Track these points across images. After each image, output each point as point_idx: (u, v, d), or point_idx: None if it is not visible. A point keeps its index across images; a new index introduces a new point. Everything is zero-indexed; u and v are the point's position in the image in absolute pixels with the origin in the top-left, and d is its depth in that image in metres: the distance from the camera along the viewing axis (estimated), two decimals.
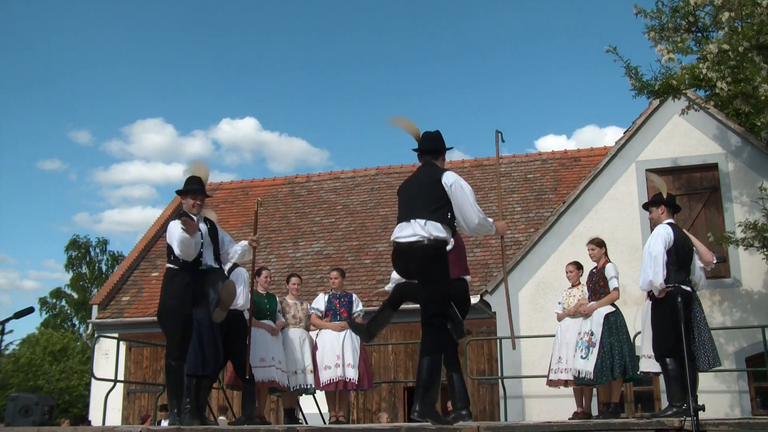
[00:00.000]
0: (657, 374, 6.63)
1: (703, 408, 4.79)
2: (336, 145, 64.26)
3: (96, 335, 11.63)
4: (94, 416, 14.48)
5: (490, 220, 5.16)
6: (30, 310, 6.70)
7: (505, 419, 10.07)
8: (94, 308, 16.53)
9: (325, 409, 8.45)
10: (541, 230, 12.17)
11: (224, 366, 7.45)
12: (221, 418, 11.04)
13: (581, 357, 7.36)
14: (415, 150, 5.29)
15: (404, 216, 5.01)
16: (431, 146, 5.24)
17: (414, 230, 4.87)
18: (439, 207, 4.90)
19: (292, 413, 7.98)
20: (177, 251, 5.86)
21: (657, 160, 11.88)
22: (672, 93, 9.70)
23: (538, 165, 17.68)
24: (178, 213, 6.14)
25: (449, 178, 4.97)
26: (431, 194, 4.92)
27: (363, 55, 63.70)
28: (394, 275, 5.80)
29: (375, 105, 63.39)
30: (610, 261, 7.60)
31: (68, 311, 36.98)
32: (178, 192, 6.34)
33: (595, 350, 7.25)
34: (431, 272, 4.90)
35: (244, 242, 6.55)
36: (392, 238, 5.05)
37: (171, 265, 6.01)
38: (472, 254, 15.17)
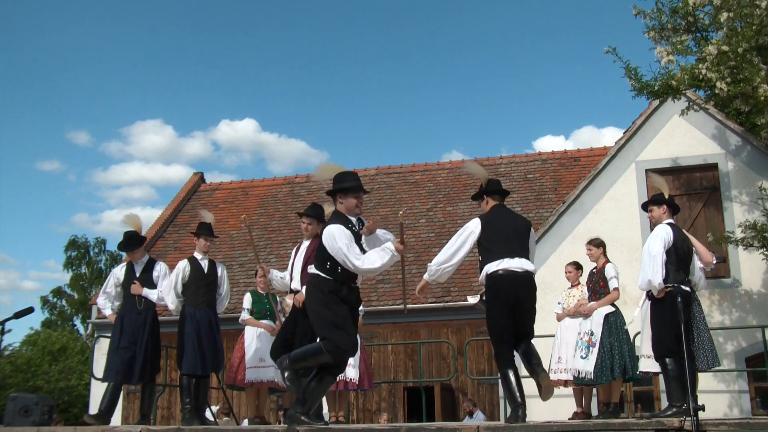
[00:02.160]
0: (657, 374, 6.63)
1: (702, 408, 4.79)
2: (335, 146, 64.30)
3: (96, 335, 11.63)
4: None
5: None
6: (30, 310, 6.71)
7: (505, 419, 10.07)
8: (94, 308, 16.52)
9: (325, 409, 8.44)
10: (541, 230, 12.17)
11: (223, 366, 7.48)
12: (225, 419, 11.04)
13: (581, 357, 7.36)
14: (487, 193, 5.91)
15: (511, 252, 5.58)
16: (502, 189, 5.99)
17: (525, 265, 5.55)
18: (529, 251, 5.72)
19: None
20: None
21: (657, 160, 11.88)
22: (672, 93, 9.71)
23: (538, 165, 17.68)
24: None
25: (532, 229, 5.86)
26: (525, 238, 5.71)
27: (362, 56, 63.73)
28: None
29: (375, 106, 63.43)
30: (609, 261, 7.60)
31: (68, 311, 36.97)
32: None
33: (595, 350, 7.25)
34: (535, 302, 5.65)
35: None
36: (504, 267, 5.51)
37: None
38: (472, 254, 15.15)
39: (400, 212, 5.83)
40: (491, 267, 5.54)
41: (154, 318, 7.29)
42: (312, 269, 5.42)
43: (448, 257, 5.65)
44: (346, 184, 5.55)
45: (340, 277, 5.28)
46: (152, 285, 7.27)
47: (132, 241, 7.30)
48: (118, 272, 7.47)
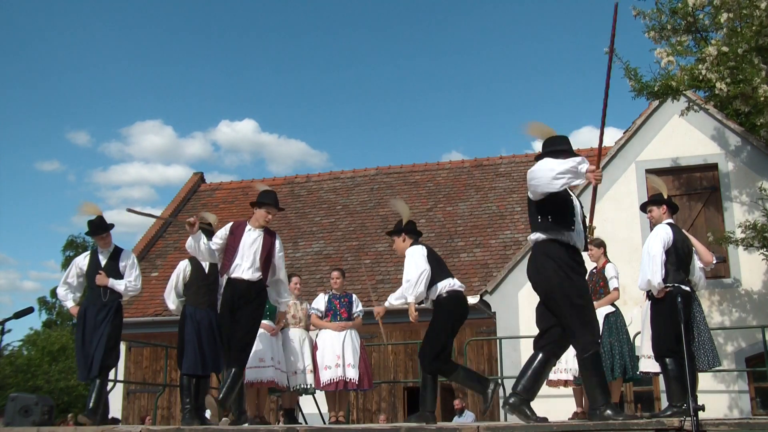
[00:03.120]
0: (657, 374, 6.63)
1: (702, 408, 4.79)
2: (335, 146, 64.30)
3: None
4: None
5: None
6: (30, 310, 6.71)
7: (505, 419, 10.07)
8: None
9: (325, 409, 8.45)
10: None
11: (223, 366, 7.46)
12: (224, 419, 11.03)
13: None
14: (407, 231, 6.53)
15: (450, 274, 6.37)
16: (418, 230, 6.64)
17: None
18: None
19: (291, 413, 7.99)
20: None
21: (657, 160, 11.89)
22: (671, 94, 9.71)
23: None
24: None
25: None
26: None
27: (362, 57, 63.73)
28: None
29: (375, 106, 63.42)
30: (609, 261, 7.61)
31: (68, 311, 36.96)
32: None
33: None
34: None
35: None
36: (458, 286, 6.27)
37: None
38: (472, 254, 15.18)
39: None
40: (446, 284, 6.14)
41: (117, 310, 6.92)
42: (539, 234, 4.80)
43: (418, 277, 6.15)
44: (559, 147, 5.00)
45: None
46: (119, 275, 6.93)
47: (100, 226, 6.95)
48: (81, 261, 7.08)
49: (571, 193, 5.02)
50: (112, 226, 7.09)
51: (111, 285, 6.86)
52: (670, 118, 11.83)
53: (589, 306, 4.88)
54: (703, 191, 11.83)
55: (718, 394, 10.55)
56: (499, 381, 10.19)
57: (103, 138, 61.73)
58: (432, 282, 6.14)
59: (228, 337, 6.33)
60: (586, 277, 7.74)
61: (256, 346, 7.62)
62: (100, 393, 6.71)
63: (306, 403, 8.69)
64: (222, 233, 6.56)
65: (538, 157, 4.97)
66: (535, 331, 5.27)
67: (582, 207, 5.12)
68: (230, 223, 6.68)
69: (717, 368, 6.46)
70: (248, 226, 6.54)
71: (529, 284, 12.88)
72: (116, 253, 7.05)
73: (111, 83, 58.02)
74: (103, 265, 6.94)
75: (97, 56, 57.75)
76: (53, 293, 36.88)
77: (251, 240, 6.44)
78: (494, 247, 15.20)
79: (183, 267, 7.23)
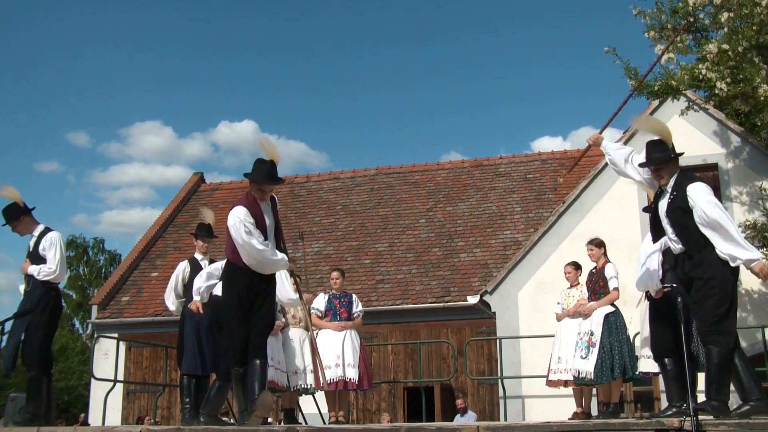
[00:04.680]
0: (656, 374, 6.63)
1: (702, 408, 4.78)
2: (335, 147, 64.25)
3: (96, 335, 11.65)
4: (94, 416, 14.48)
5: None
6: (30, 310, 6.70)
7: (505, 419, 10.08)
8: (94, 308, 16.53)
9: (324, 409, 8.44)
10: (541, 230, 12.17)
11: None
12: (224, 419, 11.03)
13: (581, 357, 7.36)
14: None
15: None
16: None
17: None
18: None
19: (291, 413, 7.98)
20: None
21: None
22: (671, 93, 9.71)
23: (538, 165, 17.69)
24: None
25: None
26: None
27: (362, 57, 63.70)
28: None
29: (374, 107, 63.41)
30: (609, 261, 7.60)
31: (67, 311, 36.94)
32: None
33: (595, 350, 7.25)
34: None
35: None
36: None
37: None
38: (472, 254, 15.18)
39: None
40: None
41: (42, 298, 6.28)
42: None
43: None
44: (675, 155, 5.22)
45: None
46: (42, 260, 6.34)
47: (9, 212, 6.42)
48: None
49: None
50: (25, 211, 6.47)
51: (30, 272, 6.40)
52: (670, 117, 11.81)
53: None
54: None
55: None
56: (499, 381, 10.22)
57: (103, 138, 61.74)
58: None
59: (239, 329, 5.45)
60: (586, 277, 7.78)
61: None
62: (34, 389, 6.22)
63: (306, 403, 8.69)
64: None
65: (658, 157, 5.14)
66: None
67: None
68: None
69: None
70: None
71: (529, 284, 12.84)
72: (40, 237, 6.44)
73: (110, 84, 58.05)
74: (29, 251, 6.48)
75: (97, 56, 57.78)
76: None
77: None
78: (494, 247, 15.20)
79: (183, 268, 7.24)
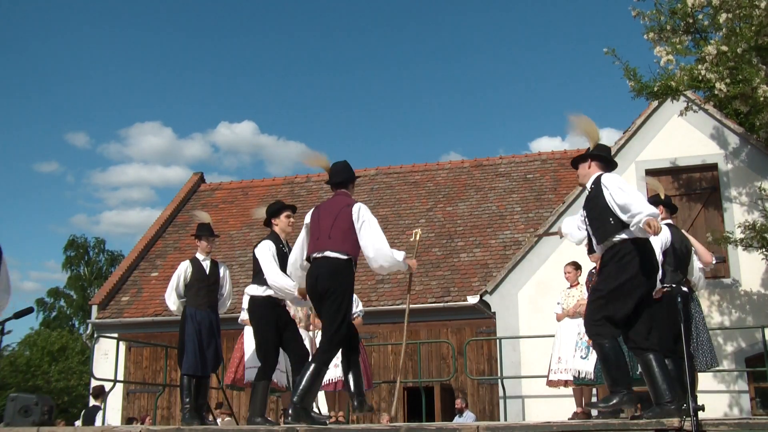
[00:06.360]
0: None
1: (702, 408, 4.79)
2: (335, 147, 64.24)
3: (95, 335, 11.65)
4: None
5: None
6: (29, 310, 6.68)
7: (505, 419, 10.08)
8: (94, 308, 16.52)
9: (324, 409, 8.45)
10: (541, 230, 12.17)
11: (220, 366, 7.46)
12: (227, 419, 11.04)
13: (581, 357, 7.36)
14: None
15: None
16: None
17: None
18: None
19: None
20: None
21: (656, 161, 11.89)
22: (671, 94, 9.72)
23: (538, 165, 17.69)
24: None
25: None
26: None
27: (361, 58, 63.73)
28: None
29: (374, 107, 63.41)
30: None
31: (67, 311, 36.94)
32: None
33: None
34: None
35: None
36: None
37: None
38: (472, 254, 15.18)
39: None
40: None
41: None
42: None
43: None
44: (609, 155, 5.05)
45: None
46: None
47: None
48: None
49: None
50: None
51: None
52: (669, 118, 11.83)
53: None
54: (702, 191, 11.83)
55: (718, 394, 10.55)
56: (499, 381, 10.23)
57: (102, 139, 61.77)
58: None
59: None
60: (586, 278, 7.79)
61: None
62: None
63: None
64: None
65: (587, 156, 4.95)
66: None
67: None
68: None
69: (716, 368, 6.46)
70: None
71: (528, 284, 12.89)
72: None
73: (110, 84, 58.08)
74: None
75: (96, 57, 57.79)
76: (51, 293, 36.90)
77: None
78: (494, 247, 15.20)
79: (184, 268, 7.24)
